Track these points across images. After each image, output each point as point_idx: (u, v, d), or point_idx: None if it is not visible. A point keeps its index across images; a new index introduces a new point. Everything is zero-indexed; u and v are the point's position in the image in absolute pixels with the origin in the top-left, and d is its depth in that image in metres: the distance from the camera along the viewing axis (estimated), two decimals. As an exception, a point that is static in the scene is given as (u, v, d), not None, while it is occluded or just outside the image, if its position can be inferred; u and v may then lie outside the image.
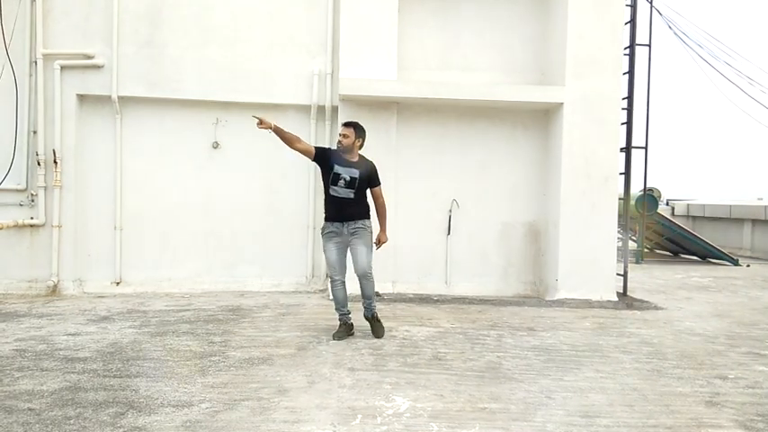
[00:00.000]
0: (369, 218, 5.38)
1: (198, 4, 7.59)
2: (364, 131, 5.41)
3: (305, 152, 5.34)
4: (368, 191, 5.39)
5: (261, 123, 5.17)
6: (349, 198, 5.25)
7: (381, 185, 5.45)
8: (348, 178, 5.23)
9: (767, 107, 13.92)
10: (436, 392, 4.06)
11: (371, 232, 5.38)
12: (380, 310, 6.61)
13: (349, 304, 5.50)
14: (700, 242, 13.00)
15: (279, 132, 5.22)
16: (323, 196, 7.76)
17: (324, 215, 5.41)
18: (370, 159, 5.44)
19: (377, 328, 5.46)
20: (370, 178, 5.34)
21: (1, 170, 7.37)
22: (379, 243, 5.46)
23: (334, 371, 4.46)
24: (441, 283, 7.86)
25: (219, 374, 4.34)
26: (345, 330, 5.41)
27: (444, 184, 7.85)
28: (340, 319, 5.45)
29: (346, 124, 5.41)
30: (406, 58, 7.74)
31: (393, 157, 7.62)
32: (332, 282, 5.41)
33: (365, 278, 5.32)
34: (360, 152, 5.41)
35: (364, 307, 5.48)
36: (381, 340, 5.35)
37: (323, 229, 5.40)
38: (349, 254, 5.35)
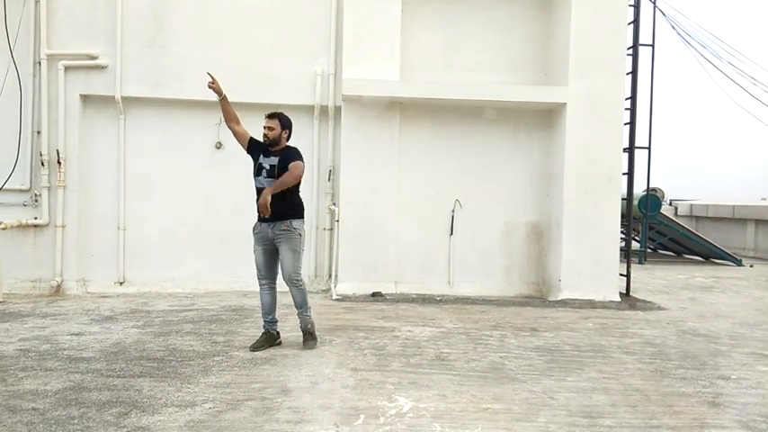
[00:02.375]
0: (298, 218, 5.04)
1: (201, 4, 7.60)
2: (290, 122, 5.14)
3: (240, 136, 5.17)
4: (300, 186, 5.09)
5: (213, 83, 5.02)
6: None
7: (302, 163, 4.97)
8: (268, 167, 4.96)
9: (770, 107, 13.85)
10: (439, 393, 4.07)
11: (301, 235, 5.02)
12: (383, 310, 6.64)
13: (277, 312, 5.19)
14: (703, 242, 12.97)
15: (224, 104, 5.11)
16: (326, 197, 7.88)
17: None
18: (295, 147, 5.11)
19: (307, 341, 5.07)
20: (287, 161, 4.92)
21: (5, 170, 7.39)
22: (266, 204, 4.81)
23: (337, 371, 4.47)
24: (443, 283, 7.86)
25: (223, 374, 4.34)
26: (265, 341, 5.06)
27: (447, 183, 7.85)
28: (263, 326, 5.15)
29: (270, 116, 5.06)
30: (409, 58, 7.74)
31: (396, 157, 7.63)
32: (258, 284, 5.15)
33: (292, 284, 4.99)
34: (288, 143, 5.13)
35: (298, 315, 5.14)
36: (385, 340, 5.35)
37: (253, 228, 5.17)
38: None
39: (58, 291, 7.42)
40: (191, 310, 6.53)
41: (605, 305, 7.23)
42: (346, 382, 4.22)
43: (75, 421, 3.47)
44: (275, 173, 4.94)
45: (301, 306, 5.08)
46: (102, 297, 7.28)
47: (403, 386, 4.18)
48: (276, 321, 5.19)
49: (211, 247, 7.79)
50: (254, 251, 5.14)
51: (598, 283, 7.47)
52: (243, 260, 7.77)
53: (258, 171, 5.06)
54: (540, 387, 4.24)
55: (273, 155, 5.02)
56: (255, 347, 4.99)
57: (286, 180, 4.90)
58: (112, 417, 3.54)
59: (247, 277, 7.78)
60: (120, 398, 3.84)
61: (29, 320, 5.93)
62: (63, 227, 7.46)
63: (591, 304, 7.21)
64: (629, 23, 7.71)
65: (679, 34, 12.76)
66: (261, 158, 5.06)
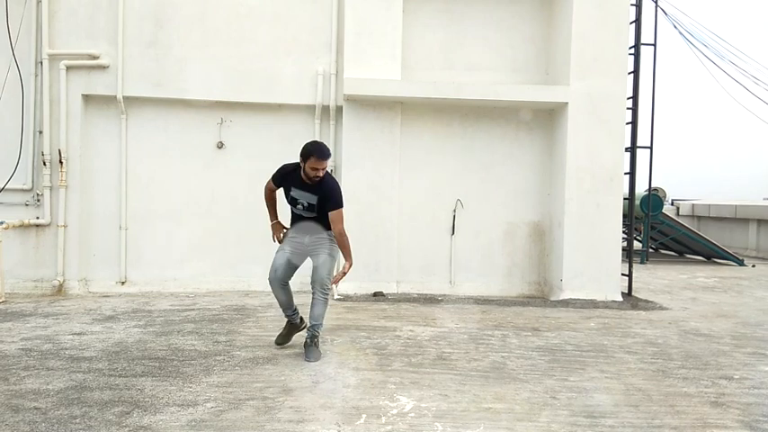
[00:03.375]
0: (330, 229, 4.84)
1: (202, 3, 7.60)
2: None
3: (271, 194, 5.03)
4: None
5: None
6: (312, 217, 4.78)
7: (342, 209, 4.69)
8: (306, 204, 4.73)
9: (772, 106, 13.86)
10: (441, 392, 4.06)
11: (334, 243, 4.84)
12: (384, 310, 6.64)
13: (295, 302, 5.02)
14: (705, 242, 12.95)
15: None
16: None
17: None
18: (333, 178, 4.88)
19: (311, 353, 4.73)
20: (327, 202, 4.68)
21: (7, 170, 7.40)
22: (343, 274, 4.73)
23: (339, 370, 4.47)
24: (445, 282, 7.86)
25: (224, 374, 4.35)
26: (289, 331, 5.05)
27: (448, 183, 7.85)
28: (286, 317, 5.02)
29: (325, 156, 4.61)
30: (411, 57, 7.75)
31: (397, 156, 7.63)
32: (270, 284, 4.87)
33: (321, 289, 4.74)
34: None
35: (308, 329, 4.84)
36: (386, 340, 5.35)
37: (290, 227, 4.92)
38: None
39: (59, 290, 7.43)
40: (192, 309, 6.53)
41: (607, 305, 7.22)
42: (348, 382, 4.22)
43: (77, 420, 3.47)
44: (315, 209, 4.72)
45: (317, 319, 4.78)
46: (104, 297, 7.29)
47: (405, 386, 4.18)
48: (296, 310, 5.00)
49: (213, 246, 7.80)
50: (280, 249, 4.87)
51: (600, 283, 7.46)
52: (244, 260, 7.83)
53: (293, 202, 4.79)
54: (542, 387, 4.24)
55: (310, 190, 4.70)
56: (281, 342, 4.96)
57: (344, 245, 4.72)
58: (114, 416, 3.55)
59: (249, 277, 7.83)
60: (122, 397, 3.85)
61: (31, 320, 5.94)
62: (65, 226, 7.47)
63: (593, 304, 7.21)
64: (630, 23, 7.70)
65: (681, 34, 12.78)
66: (294, 191, 4.76)
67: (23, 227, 7.39)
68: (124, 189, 7.63)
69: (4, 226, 7.06)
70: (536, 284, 7.99)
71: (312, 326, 4.81)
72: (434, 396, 3.99)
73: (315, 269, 4.78)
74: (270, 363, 4.63)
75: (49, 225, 7.48)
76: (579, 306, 7.13)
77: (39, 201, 7.48)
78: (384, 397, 3.95)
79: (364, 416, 3.64)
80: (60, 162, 7.40)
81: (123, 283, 7.67)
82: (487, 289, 7.85)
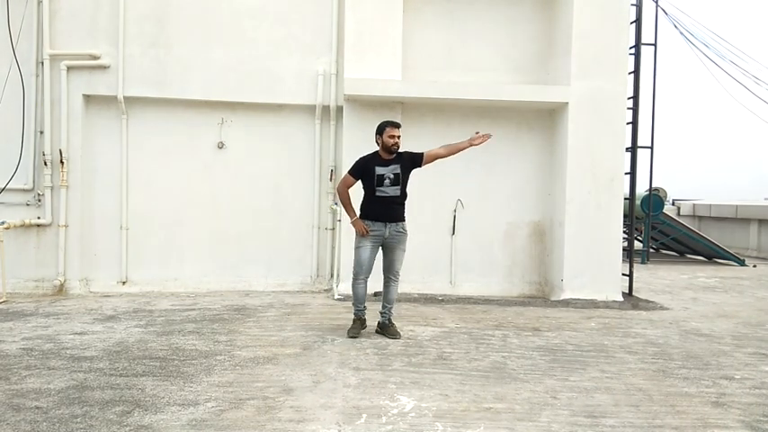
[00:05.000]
0: (405, 220, 5.51)
1: (203, 4, 7.61)
2: None
3: (350, 188, 5.53)
4: (408, 182, 5.50)
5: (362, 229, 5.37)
6: (396, 196, 5.36)
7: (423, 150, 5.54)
8: (392, 176, 5.33)
9: (773, 106, 13.83)
10: (441, 392, 4.07)
11: (408, 235, 5.54)
12: (385, 309, 6.64)
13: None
14: (706, 242, 12.95)
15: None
16: (331, 197, 7.85)
17: (361, 212, 5.42)
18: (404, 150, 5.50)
19: (394, 331, 5.48)
20: (413, 163, 5.45)
21: (8, 170, 7.41)
22: (481, 137, 5.49)
23: (339, 370, 4.47)
24: (445, 282, 7.86)
25: (225, 373, 4.35)
26: (360, 326, 5.48)
27: (449, 183, 7.84)
28: (356, 315, 5.50)
29: (397, 125, 5.45)
30: (411, 57, 7.74)
31: (398, 156, 7.62)
32: (356, 279, 5.44)
33: (396, 280, 5.50)
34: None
35: (382, 313, 5.52)
36: (387, 340, 5.36)
37: (365, 224, 5.39)
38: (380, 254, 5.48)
39: (60, 290, 7.43)
40: (193, 309, 6.54)
41: (608, 305, 7.22)
42: (348, 382, 4.23)
43: (78, 420, 3.48)
44: (400, 180, 5.37)
45: (392, 302, 5.52)
46: (105, 296, 7.30)
47: (405, 385, 4.18)
48: (366, 308, 5.53)
49: (214, 246, 7.80)
50: (361, 246, 5.38)
51: (600, 283, 7.46)
52: (245, 260, 7.84)
53: (380, 182, 5.33)
54: (543, 387, 4.24)
55: (392, 163, 5.36)
56: (355, 334, 5.37)
57: (454, 145, 5.61)
58: (115, 415, 3.55)
59: (249, 277, 7.84)
60: (123, 397, 3.85)
61: (32, 319, 5.95)
62: (66, 226, 7.48)
63: (593, 304, 7.21)
64: (631, 22, 7.70)
65: (681, 33, 12.76)
66: (379, 170, 5.33)
67: (24, 227, 7.40)
68: (125, 189, 7.64)
69: (5, 226, 7.07)
70: (537, 284, 7.99)
71: (388, 309, 5.51)
72: (435, 396, 3.99)
73: (392, 262, 5.46)
74: (270, 362, 4.64)
75: (50, 225, 7.49)
76: (580, 306, 7.13)
77: (40, 201, 7.49)
78: (384, 397, 3.96)
79: (365, 415, 3.64)
80: (61, 162, 7.41)
81: (124, 282, 7.68)
82: (488, 289, 7.84)
